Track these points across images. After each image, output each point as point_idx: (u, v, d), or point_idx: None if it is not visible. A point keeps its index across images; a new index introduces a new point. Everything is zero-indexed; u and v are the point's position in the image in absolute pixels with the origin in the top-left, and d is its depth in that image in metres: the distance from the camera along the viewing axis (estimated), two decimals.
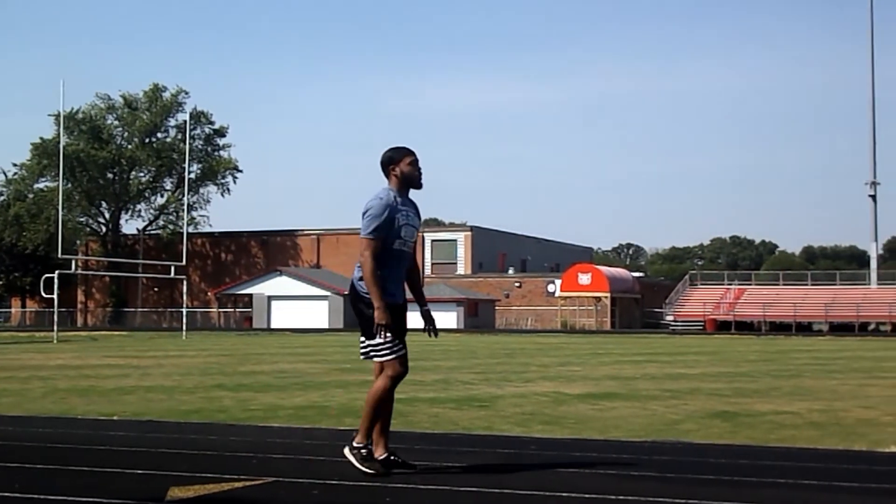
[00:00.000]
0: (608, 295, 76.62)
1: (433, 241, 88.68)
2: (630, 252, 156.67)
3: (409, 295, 7.11)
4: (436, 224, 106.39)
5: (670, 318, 76.28)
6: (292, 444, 8.69)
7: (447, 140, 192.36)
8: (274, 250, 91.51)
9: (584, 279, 76.88)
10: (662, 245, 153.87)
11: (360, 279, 6.82)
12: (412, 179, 6.98)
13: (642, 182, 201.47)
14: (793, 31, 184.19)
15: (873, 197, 79.99)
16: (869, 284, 78.14)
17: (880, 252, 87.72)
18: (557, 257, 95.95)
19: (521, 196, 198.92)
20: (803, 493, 6.32)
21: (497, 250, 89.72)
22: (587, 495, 6.14)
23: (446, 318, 73.69)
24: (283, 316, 76.31)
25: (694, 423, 10.88)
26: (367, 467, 6.72)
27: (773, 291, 79.02)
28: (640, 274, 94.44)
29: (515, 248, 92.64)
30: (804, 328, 71.70)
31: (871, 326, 71.66)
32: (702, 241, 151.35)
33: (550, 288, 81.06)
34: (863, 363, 24.28)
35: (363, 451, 6.78)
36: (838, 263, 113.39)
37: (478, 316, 76.58)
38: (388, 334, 6.70)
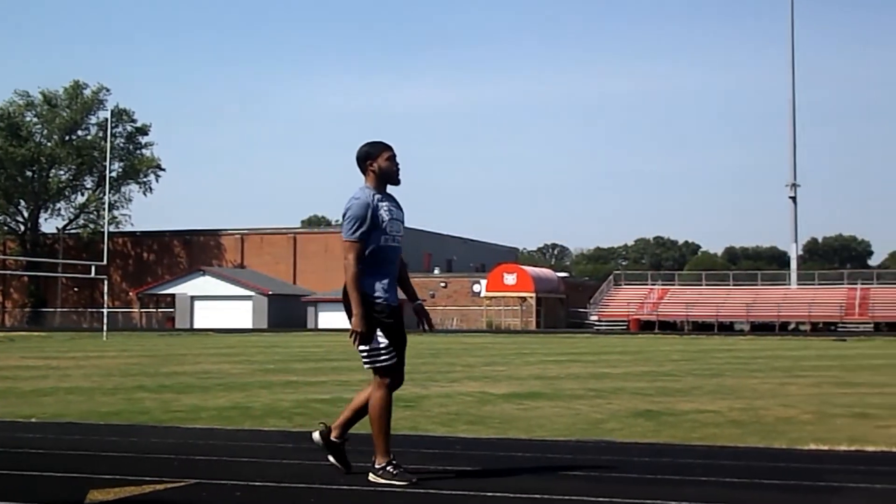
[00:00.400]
0: (533, 295, 76.97)
1: None
2: (555, 252, 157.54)
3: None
4: None
5: (595, 317, 76.84)
6: (215, 445, 8.59)
7: (371, 138, 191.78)
8: (197, 250, 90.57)
9: (510, 279, 77.16)
10: (587, 245, 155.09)
11: None
12: (390, 175, 6.71)
13: (567, 182, 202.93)
14: (713, 36, 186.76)
15: (793, 199, 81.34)
16: (789, 285, 79.47)
17: (800, 253, 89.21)
18: (483, 257, 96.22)
19: (447, 196, 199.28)
20: (725, 490, 6.37)
21: (422, 250, 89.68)
22: (512, 495, 6.14)
23: None
24: (207, 316, 75.57)
25: (618, 422, 10.95)
26: (399, 480, 6.47)
27: (695, 291, 79.99)
28: (565, 274, 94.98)
29: (441, 249, 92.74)
30: (726, 328, 72.66)
31: (791, 326, 72.84)
32: (626, 241, 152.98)
33: (476, 288, 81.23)
34: (782, 362, 24.64)
35: (388, 467, 6.53)
36: (759, 264, 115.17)
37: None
38: (364, 345, 6.49)
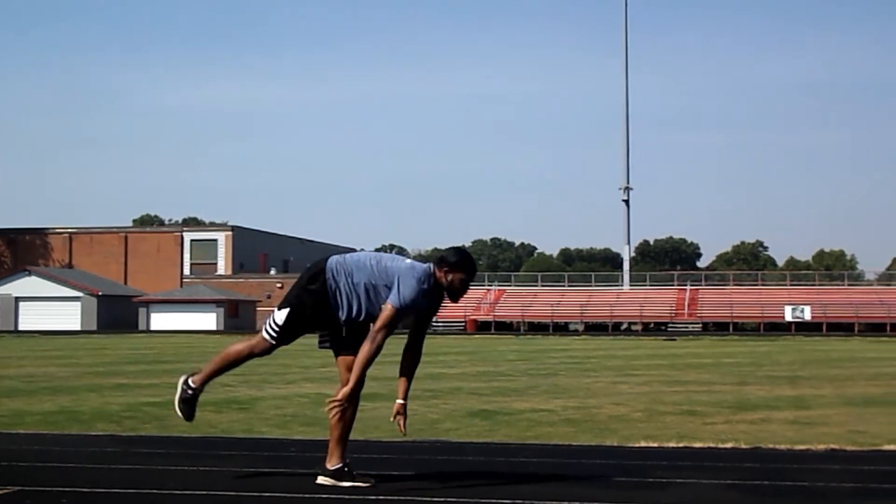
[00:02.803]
0: None
1: (192, 240, 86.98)
2: (393, 252, 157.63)
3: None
4: (195, 223, 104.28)
5: (433, 318, 77.22)
6: (40, 451, 8.26)
7: (206, 138, 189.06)
8: (22, 249, 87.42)
9: None
10: (425, 246, 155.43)
11: (332, 269, 6.57)
12: (452, 293, 6.56)
13: (405, 182, 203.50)
14: (550, 41, 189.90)
15: (626, 202, 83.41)
16: (622, 286, 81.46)
17: (632, 255, 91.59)
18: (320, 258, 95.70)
19: (284, 196, 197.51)
20: (558, 488, 6.44)
21: (258, 250, 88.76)
22: (346, 496, 6.08)
23: (205, 320, 72.44)
24: (32, 318, 73.05)
25: (454, 422, 10.99)
26: (360, 481, 6.43)
27: (531, 292, 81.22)
28: None
29: (278, 249, 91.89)
30: (561, 328, 74.03)
31: (624, 326, 74.66)
32: (463, 242, 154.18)
33: None
34: (615, 362, 25.20)
35: (345, 469, 6.43)
36: (594, 265, 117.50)
37: (238, 317, 75.56)
38: (284, 318, 6.48)
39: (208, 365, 6.66)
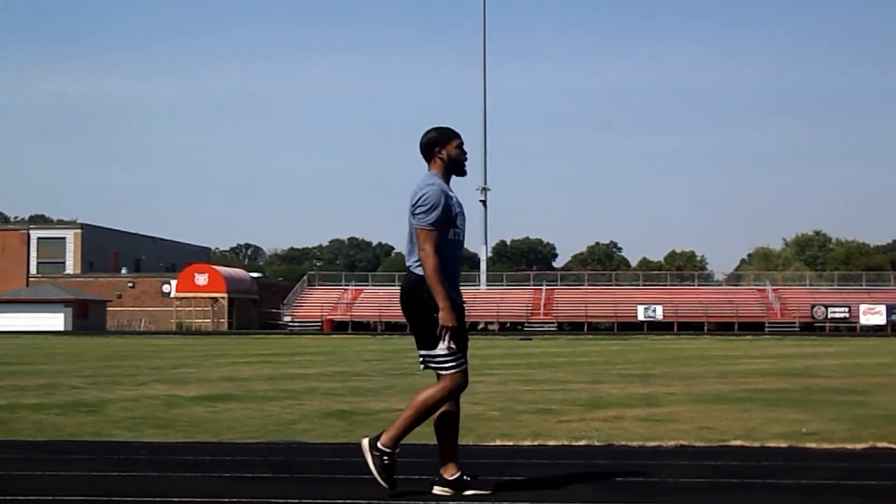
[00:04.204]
0: (225, 296, 76.07)
1: (39, 238, 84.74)
2: (249, 252, 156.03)
3: None
4: (42, 221, 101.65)
5: (288, 318, 76.74)
6: None
7: (55, 133, 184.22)
8: None
9: (201, 280, 75.95)
10: (281, 246, 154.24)
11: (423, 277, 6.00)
12: (458, 164, 6.21)
13: (260, 181, 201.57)
14: (407, 40, 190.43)
15: (483, 202, 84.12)
16: (479, 285, 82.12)
17: (489, 255, 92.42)
18: (174, 257, 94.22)
19: (136, 194, 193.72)
20: (414, 486, 6.40)
21: (109, 249, 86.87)
22: (199, 499, 5.95)
23: (53, 320, 70.51)
24: None
25: (310, 422, 10.88)
26: (383, 479, 6.04)
27: (389, 292, 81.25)
28: (258, 274, 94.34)
29: (129, 248, 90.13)
30: None
31: (481, 326, 75.29)
32: (320, 242, 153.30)
33: (165, 288, 79.45)
34: (471, 361, 25.07)
35: (385, 458, 6.04)
36: None
37: (87, 317, 73.76)
38: (453, 343, 5.99)
39: (399, 423, 6.14)
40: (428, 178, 6.11)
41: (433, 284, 5.91)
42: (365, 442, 6.12)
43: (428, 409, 6.09)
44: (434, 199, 5.95)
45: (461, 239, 6.20)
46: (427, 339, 6.06)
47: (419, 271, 6.02)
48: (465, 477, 6.20)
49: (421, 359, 6.19)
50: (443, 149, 6.18)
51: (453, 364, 6.06)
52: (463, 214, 6.20)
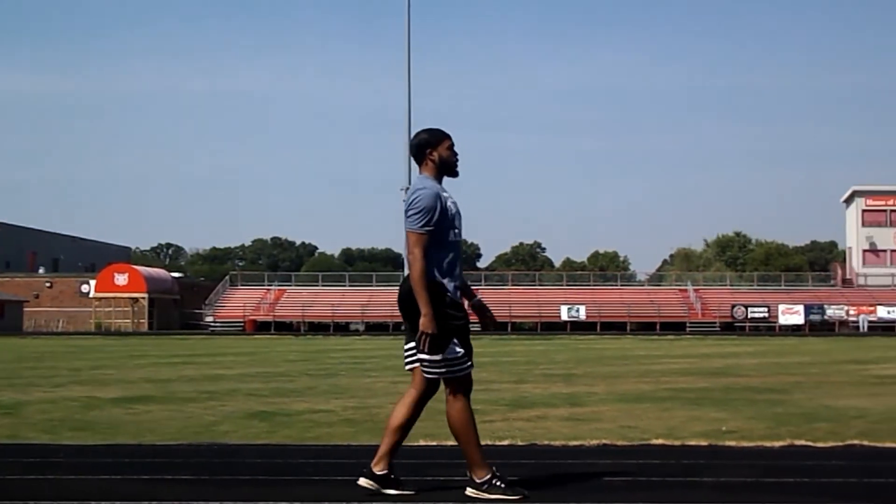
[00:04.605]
0: (146, 296, 75.22)
1: None
2: (170, 252, 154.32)
3: None
4: None
5: (210, 318, 76.06)
6: None
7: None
8: None
9: (121, 280, 75.04)
10: (203, 245, 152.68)
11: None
12: (450, 166, 6.16)
13: (182, 180, 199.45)
14: (331, 40, 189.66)
15: None
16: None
17: None
18: (93, 257, 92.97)
19: (55, 193, 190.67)
20: (336, 488, 6.38)
21: (26, 248, 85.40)
22: (118, 502, 5.87)
23: None
24: None
25: (231, 424, 10.78)
26: (510, 494, 5.99)
27: (312, 292, 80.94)
28: (180, 274, 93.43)
29: (47, 247, 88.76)
30: (342, 328, 74.03)
31: (404, 326, 74.97)
32: (243, 241, 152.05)
33: (84, 288, 78.32)
34: (395, 361, 25.33)
35: (495, 481, 6.04)
36: (375, 265, 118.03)
37: (4, 318, 72.47)
38: (439, 350, 6.01)
39: (466, 454, 6.19)
40: (420, 181, 6.11)
41: (417, 290, 5.92)
42: (468, 491, 6.09)
43: (467, 422, 6.19)
44: (426, 202, 5.93)
45: (459, 239, 6.22)
46: (430, 345, 6.04)
47: None
48: (391, 476, 6.18)
49: (409, 357, 6.26)
50: (434, 150, 6.16)
51: (452, 370, 6.15)
52: (460, 214, 6.20)
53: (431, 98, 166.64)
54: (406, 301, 6.13)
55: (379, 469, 6.16)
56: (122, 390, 15.59)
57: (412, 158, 6.25)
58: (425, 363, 6.12)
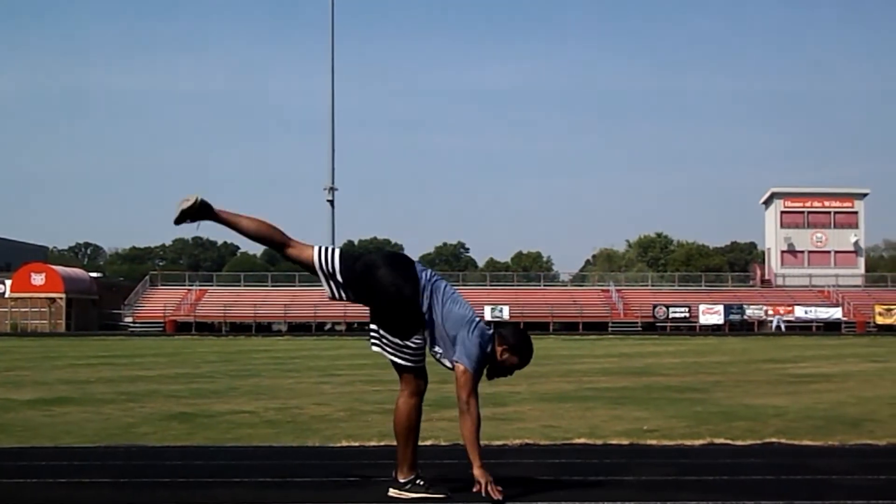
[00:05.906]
0: (63, 296, 73.99)
1: None
2: (88, 252, 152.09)
3: None
4: None
5: (129, 319, 75.06)
6: None
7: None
8: None
9: (38, 279, 73.75)
10: (122, 245, 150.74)
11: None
12: (496, 370, 6.48)
13: (100, 178, 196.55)
14: (253, 37, 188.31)
15: (331, 202, 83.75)
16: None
17: None
18: (9, 256, 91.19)
19: None
20: (256, 490, 6.32)
21: None
22: None
23: None
24: None
25: (150, 425, 10.64)
26: (432, 493, 6.07)
27: (234, 292, 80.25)
28: (98, 274, 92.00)
29: None
30: (264, 328, 73.52)
31: (328, 326, 74.94)
32: (163, 241, 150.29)
33: (0, 289, 76.81)
34: (318, 362, 25.20)
35: (417, 480, 6.13)
36: (297, 266, 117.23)
37: None
38: (420, 339, 6.18)
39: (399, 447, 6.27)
40: (488, 337, 6.39)
41: (471, 444, 6.28)
42: (391, 491, 6.15)
43: (408, 423, 6.29)
44: (481, 356, 6.31)
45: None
46: (401, 329, 6.12)
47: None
48: (417, 481, 6.18)
49: (376, 339, 6.24)
50: (507, 354, 6.40)
51: (417, 359, 6.23)
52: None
53: (354, 97, 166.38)
54: (363, 279, 6.37)
55: (403, 477, 6.19)
56: (39, 392, 15.33)
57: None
58: (394, 345, 6.17)
